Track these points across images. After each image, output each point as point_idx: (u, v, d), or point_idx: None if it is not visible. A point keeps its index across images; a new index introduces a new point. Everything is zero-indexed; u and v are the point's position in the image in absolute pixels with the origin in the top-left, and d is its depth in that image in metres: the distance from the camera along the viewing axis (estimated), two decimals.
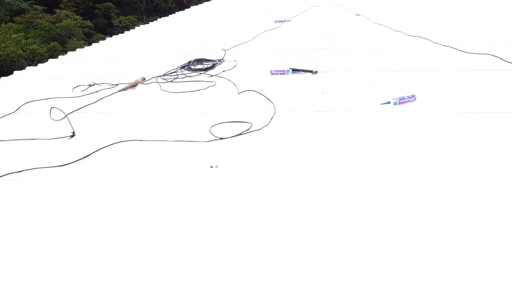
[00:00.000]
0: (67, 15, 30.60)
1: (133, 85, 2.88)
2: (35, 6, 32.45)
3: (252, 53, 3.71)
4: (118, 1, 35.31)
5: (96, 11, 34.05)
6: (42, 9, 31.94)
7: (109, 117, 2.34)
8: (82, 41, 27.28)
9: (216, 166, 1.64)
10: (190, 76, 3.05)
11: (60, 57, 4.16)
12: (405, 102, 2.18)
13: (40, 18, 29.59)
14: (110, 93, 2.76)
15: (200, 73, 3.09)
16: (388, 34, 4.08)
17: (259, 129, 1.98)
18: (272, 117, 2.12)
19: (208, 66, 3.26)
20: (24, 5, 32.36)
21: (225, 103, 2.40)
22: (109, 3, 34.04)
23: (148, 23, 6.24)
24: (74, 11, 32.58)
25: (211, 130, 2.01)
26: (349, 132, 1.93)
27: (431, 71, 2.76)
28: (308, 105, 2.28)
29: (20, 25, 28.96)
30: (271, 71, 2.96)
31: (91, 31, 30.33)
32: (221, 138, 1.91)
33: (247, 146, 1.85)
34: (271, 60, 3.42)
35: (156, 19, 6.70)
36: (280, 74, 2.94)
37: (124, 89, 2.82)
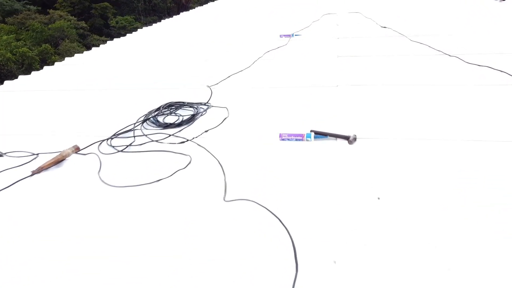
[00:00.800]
0: (61, 16, 29.55)
1: (58, 161, 1.78)
2: (28, 6, 31.39)
3: (250, 90, 2.60)
4: (115, 1, 34.20)
5: (93, 11, 32.99)
6: (36, 10, 30.91)
7: None
8: (75, 43, 26.28)
9: None
10: (154, 140, 1.94)
11: None
12: None
13: (33, 19, 28.57)
14: (14, 180, 1.65)
15: (170, 135, 1.98)
16: (439, 60, 2.96)
17: None
18: (294, 284, 1.01)
19: (184, 118, 2.15)
20: (17, 5, 31.33)
21: (200, 227, 1.29)
22: (106, 3, 32.92)
23: (146, 23, 5.14)
24: (70, 11, 31.51)
25: None
26: None
27: None
28: (358, 236, 1.18)
29: (12, 26, 28.03)
30: (280, 135, 1.86)
31: (86, 32, 29.25)
32: None
33: None
34: (278, 104, 2.31)
35: (155, 19, 5.63)
36: (296, 140, 1.83)
37: (41, 169, 1.72)
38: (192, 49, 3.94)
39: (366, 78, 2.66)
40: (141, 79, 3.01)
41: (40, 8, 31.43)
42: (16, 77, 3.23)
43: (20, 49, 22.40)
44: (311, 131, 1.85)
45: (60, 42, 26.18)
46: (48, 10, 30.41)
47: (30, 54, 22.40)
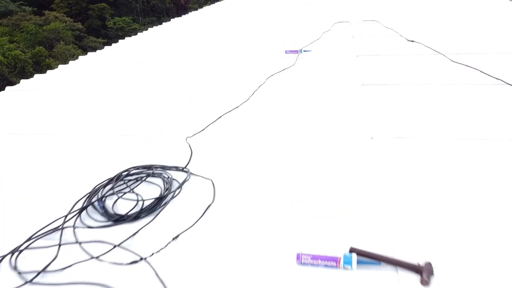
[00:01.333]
0: (56, 17, 28.82)
1: None
2: (23, 7, 30.67)
3: (247, 142, 1.84)
4: (113, 2, 33.43)
5: (90, 12, 32.26)
6: (32, 10, 30.20)
7: None
8: (71, 45, 25.55)
9: None
10: (94, 257, 1.18)
11: None
12: None
13: (28, 20, 27.87)
14: None
15: (115, 246, 1.21)
16: (501, 93, 2.20)
17: None
18: None
19: (145, 205, 1.38)
20: (12, 6, 30.63)
21: None
22: (104, 4, 32.18)
23: (144, 24, 4.40)
24: (67, 12, 30.76)
25: None
26: None
27: None
28: None
29: (6, 27, 27.38)
30: (299, 257, 1.09)
31: (82, 34, 28.50)
32: None
33: None
34: (288, 175, 1.55)
35: (153, 20, 4.89)
36: (325, 265, 1.07)
37: None
38: (175, 72, 3.17)
39: (410, 125, 1.89)
40: (104, 118, 2.25)
41: (36, 9, 30.71)
42: (9, 81, 2.45)
43: (12, 52, 21.73)
44: (351, 250, 1.09)
45: (55, 44, 25.45)
46: (43, 11, 29.71)
47: (23, 57, 21.71)
